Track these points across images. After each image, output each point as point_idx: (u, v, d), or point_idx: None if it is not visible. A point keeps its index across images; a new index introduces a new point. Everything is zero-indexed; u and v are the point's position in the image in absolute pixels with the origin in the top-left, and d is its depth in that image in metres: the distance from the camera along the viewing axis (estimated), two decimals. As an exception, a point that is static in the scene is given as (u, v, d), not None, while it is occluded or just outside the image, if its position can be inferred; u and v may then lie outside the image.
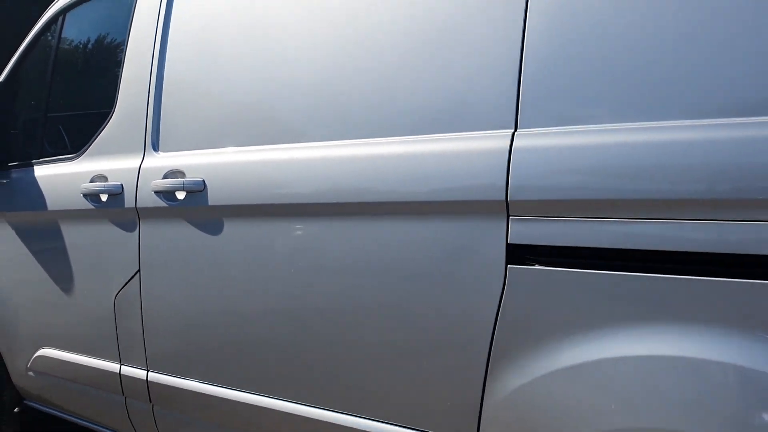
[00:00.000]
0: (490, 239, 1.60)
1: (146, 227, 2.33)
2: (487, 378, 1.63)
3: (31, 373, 2.94)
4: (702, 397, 1.34)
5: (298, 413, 2.00)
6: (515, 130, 1.58)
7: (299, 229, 1.96)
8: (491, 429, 1.63)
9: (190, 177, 2.17)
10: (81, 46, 2.91)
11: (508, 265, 1.58)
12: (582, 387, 1.48)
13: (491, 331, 1.61)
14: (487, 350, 1.62)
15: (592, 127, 1.48)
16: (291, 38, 2.03)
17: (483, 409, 1.65)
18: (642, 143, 1.41)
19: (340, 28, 1.92)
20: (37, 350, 2.87)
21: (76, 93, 2.98)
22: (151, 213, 2.30)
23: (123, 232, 2.41)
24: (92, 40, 2.87)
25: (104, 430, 2.79)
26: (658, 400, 1.39)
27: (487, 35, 1.64)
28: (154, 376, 2.39)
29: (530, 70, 1.57)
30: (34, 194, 2.75)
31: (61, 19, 2.88)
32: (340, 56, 1.91)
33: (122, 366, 2.50)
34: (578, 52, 1.51)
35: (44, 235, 2.74)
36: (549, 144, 1.52)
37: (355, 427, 1.88)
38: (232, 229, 2.10)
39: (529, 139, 1.55)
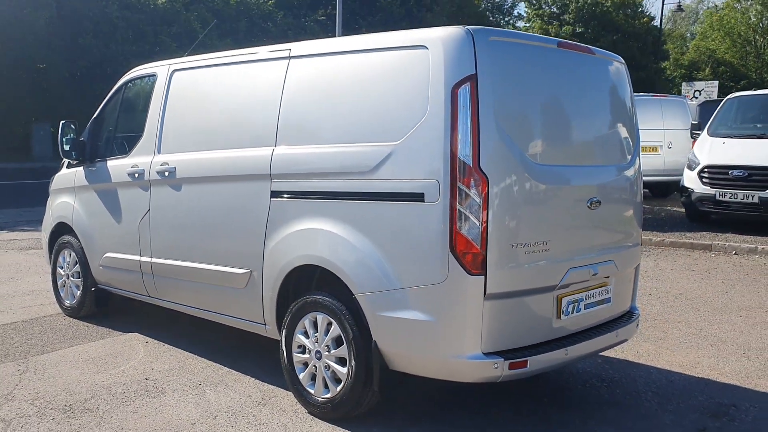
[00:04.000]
0: (264, 189, 4.19)
1: (153, 189, 5.02)
2: (265, 242, 4.19)
3: (100, 267, 5.68)
4: (331, 245, 3.84)
5: (197, 267, 4.66)
6: (275, 146, 4.16)
7: (206, 187, 4.59)
8: (268, 263, 4.19)
9: (170, 165, 4.84)
10: (131, 100, 5.69)
11: (271, 199, 4.16)
12: (295, 240, 4.02)
13: (265, 224, 4.18)
14: (264, 231, 4.19)
15: (299, 146, 4.05)
16: (207, 110, 4.73)
17: (264, 254, 4.21)
18: (309, 153, 3.97)
19: (227, 104, 4.59)
20: (104, 254, 5.60)
21: (128, 124, 5.76)
22: (155, 182, 4.99)
23: (143, 191, 5.11)
24: (136, 99, 5.65)
25: (133, 293, 5.50)
26: (316, 245, 3.91)
27: (266, 112, 4.24)
28: (154, 260, 5.06)
29: (280, 126, 4.15)
30: (105, 174, 5.51)
31: (123, 87, 5.68)
32: (227, 118, 4.57)
33: (141, 257, 5.19)
34: (294, 118, 4.08)
35: (108, 194, 5.49)
36: (285, 152, 4.10)
37: (215, 269, 4.51)
38: (185, 188, 4.75)
39: (279, 150, 4.14)
